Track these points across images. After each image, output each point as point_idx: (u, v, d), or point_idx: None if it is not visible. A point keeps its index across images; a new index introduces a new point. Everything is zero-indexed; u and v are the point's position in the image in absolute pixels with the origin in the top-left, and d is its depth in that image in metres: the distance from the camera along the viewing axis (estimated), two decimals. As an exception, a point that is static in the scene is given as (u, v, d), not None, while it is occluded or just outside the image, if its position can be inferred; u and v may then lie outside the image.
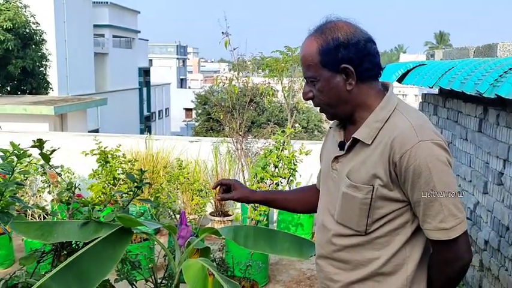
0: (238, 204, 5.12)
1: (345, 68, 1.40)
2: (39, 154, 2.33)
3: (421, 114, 1.49)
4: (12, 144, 2.18)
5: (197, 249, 2.58)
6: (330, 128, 1.68)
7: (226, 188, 1.86)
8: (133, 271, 2.99)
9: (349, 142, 1.48)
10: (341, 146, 1.53)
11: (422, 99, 5.08)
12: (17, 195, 4.36)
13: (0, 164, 2.13)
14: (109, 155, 4.16)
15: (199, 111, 23.60)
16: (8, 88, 14.49)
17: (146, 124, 30.12)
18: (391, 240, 1.44)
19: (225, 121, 5.06)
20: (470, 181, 3.28)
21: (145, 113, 30.22)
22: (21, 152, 2.13)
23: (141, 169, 2.17)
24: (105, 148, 4.23)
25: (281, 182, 4.11)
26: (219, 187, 1.87)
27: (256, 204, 4.02)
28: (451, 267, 1.42)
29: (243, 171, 5.02)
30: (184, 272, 1.97)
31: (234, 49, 5.04)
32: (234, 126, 4.95)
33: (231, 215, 5.08)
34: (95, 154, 4.22)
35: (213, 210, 5.18)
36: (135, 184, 2.16)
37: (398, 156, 1.35)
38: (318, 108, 1.56)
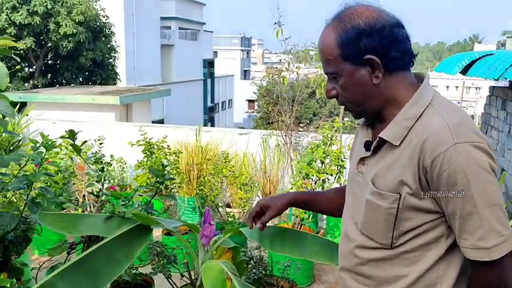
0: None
1: (369, 59, 1.21)
2: (70, 145, 2.32)
3: (461, 110, 1.26)
4: (41, 134, 2.19)
5: (228, 248, 2.49)
6: (358, 125, 1.50)
7: (260, 212, 1.65)
8: (168, 265, 2.95)
9: (375, 142, 1.30)
10: (367, 146, 1.35)
11: (489, 93, 4.64)
12: (70, 183, 4.51)
13: (30, 155, 2.14)
14: (154, 146, 4.18)
15: (261, 102, 23.61)
16: (81, 79, 15.25)
17: (210, 115, 30.66)
18: (422, 256, 1.25)
19: (274, 114, 4.93)
20: (539, 186, 2.91)
21: (209, 104, 30.74)
22: (50, 143, 2.12)
23: (163, 164, 2.10)
24: (150, 139, 4.24)
25: (328, 179, 3.91)
26: (253, 222, 1.66)
27: (300, 201, 3.85)
28: None
29: (292, 165, 4.87)
30: (203, 274, 1.87)
31: (286, 39, 4.87)
32: (283, 118, 4.81)
33: (278, 211, 4.94)
34: (140, 145, 4.26)
35: (261, 204, 5.07)
36: (157, 179, 2.08)
37: (430, 161, 1.15)
38: (343, 106, 1.38)
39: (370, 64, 1.22)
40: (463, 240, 1.18)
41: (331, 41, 1.25)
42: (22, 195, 3.15)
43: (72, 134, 2.34)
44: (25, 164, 2.21)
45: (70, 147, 4.76)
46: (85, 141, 2.35)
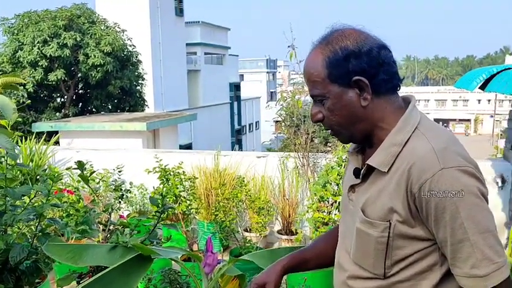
0: (306, 223, 4.91)
1: (357, 81, 1.19)
2: (78, 176, 2.37)
3: (449, 134, 1.22)
4: (50, 167, 2.24)
5: (235, 276, 2.47)
6: (348, 152, 1.47)
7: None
8: (181, 293, 2.94)
9: (363, 169, 1.27)
10: (356, 173, 1.32)
11: (512, 108, 4.49)
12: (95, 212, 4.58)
13: (37, 186, 2.19)
14: (170, 173, 4.21)
15: (288, 123, 23.57)
16: (110, 107, 15.67)
17: (237, 137, 30.85)
18: (416, 285, 1.20)
19: (290, 136, 4.92)
20: None
21: (237, 126, 30.97)
22: (56, 175, 2.17)
23: (161, 193, 2.12)
24: (166, 165, 4.29)
25: (344, 201, 3.83)
26: None
27: (317, 225, 3.80)
28: None
29: (310, 188, 4.82)
30: (203, 303, 1.86)
31: (300, 61, 4.89)
32: (299, 141, 4.79)
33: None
34: (156, 172, 4.30)
35: (280, 228, 5.03)
36: (158, 208, 2.10)
37: (417, 187, 1.12)
38: (329, 130, 1.35)
39: (359, 86, 1.20)
40: (456, 268, 1.14)
41: (319, 63, 1.22)
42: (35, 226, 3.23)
43: (80, 165, 2.40)
44: (34, 196, 2.27)
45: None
46: (92, 172, 2.39)
